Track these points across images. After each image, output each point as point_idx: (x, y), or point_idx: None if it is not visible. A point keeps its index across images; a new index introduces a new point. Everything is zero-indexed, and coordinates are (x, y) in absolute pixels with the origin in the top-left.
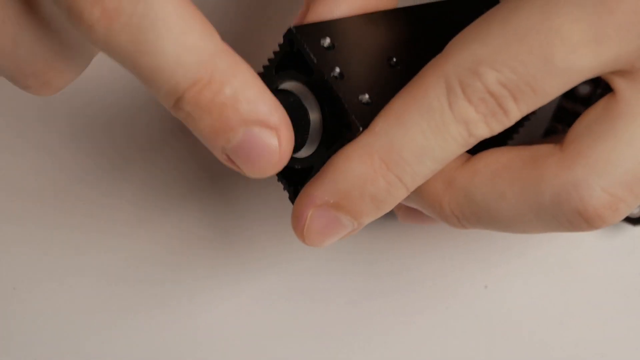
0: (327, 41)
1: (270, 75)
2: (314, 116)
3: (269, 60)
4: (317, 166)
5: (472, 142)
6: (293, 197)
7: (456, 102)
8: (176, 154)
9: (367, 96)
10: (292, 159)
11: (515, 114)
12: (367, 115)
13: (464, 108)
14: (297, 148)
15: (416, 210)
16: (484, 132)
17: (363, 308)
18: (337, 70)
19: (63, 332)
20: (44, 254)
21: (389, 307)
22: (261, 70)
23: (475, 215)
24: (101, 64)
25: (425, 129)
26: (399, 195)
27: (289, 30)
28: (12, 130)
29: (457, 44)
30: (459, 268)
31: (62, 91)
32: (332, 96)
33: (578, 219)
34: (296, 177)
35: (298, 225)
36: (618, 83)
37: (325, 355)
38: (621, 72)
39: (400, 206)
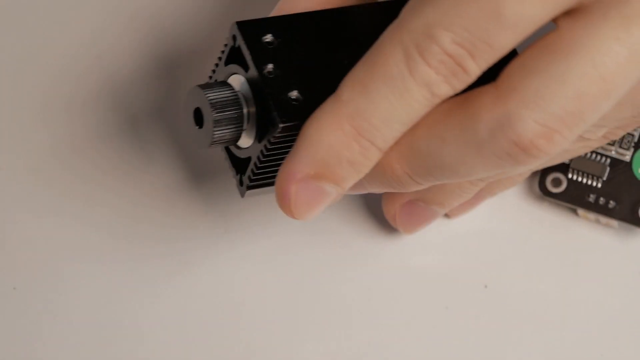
0: (268, 37)
1: (221, 67)
2: (252, 110)
3: (221, 52)
4: (254, 157)
5: (437, 101)
6: (239, 184)
7: (416, 67)
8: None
9: (296, 92)
10: (237, 148)
11: (474, 70)
12: (293, 112)
13: (424, 72)
14: (234, 139)
15: (413, 216)
16: (447, 91)
17: (362, 307)
18: (270, 66)
19: (63, 332)
20: (44, 254)
21: (388, 307)
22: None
23: (423, 166)
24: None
25: (390, 96)
26: (374, 156)
27: (232, 25)
28: (10, 127)
29: (409, 10)
30: (459, 268)
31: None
32: (261, 91)
33: (515, 149)
34: (241, 166)
35: (284, 202)
36: (560, 20)
37: (324, 355)
38: (568, 11)
39: (398, 219)
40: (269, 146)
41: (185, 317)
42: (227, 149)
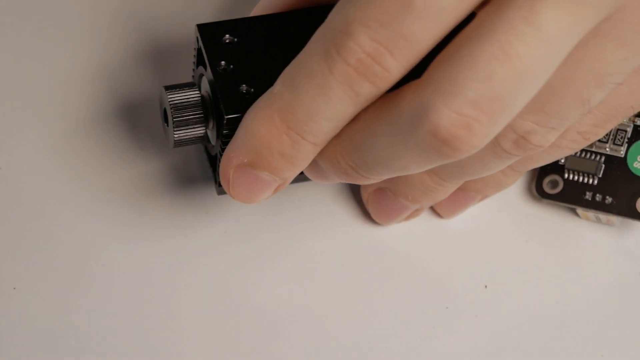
0: (227, 38)
1: (195, 69)
2: (215, 109)
3: (194, 55)
4: (218, 154)
5: (363, 100)
6: (215, 181)
7: (335, 65)
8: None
9: (245, 87)
10: (211, 146)
11: (395, 68)
12: (241, 105)
13: (343, 70)
14: (197, 139)
15: (382, 205)
16: (370, 89)
17: (362, 307)
18: (223, 63)
19: (63, 333)
20: (44, 254)
21: (388, 307)
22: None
23: (362, 160)
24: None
25: (312, 93)
26: (307, 150)
27: (195, 28)
28: (9, 127)
29: (334, 8)
30: (459, 268)
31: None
32: (213, 86)
33: (436, 142)
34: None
35: (224, 185)
36: (478, 10)
37: (323, 355)
38: (486, 1)
39: (370, 205)
40: (223, 140)
41: (185, 316)
42: (206, 148)
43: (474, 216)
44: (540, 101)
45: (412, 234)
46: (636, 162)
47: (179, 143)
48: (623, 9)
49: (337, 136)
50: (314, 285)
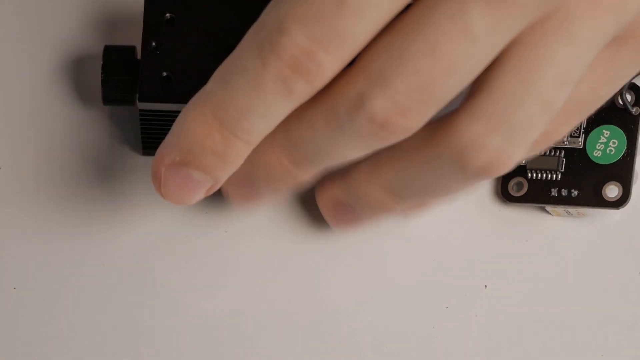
0: (169, 14)
1: None
2: None
3: None
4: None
5: (297, 97)
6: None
7: (268, 61)
8: None
9: (167, 72)
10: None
11: (330, 66)
12: (159, 90)
13: (277, 67)
14: (125, 101)
15: (343, 219)
16: (304, 87)
17: (362, 307)
18: (153, 43)
19: (63, 332)
20: (44, 254)
21: (388, 307)
22: None
23: (301, 154)
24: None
25: (245, 89)
26: (241, 148)
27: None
28: (9, 127)
29: (269, 5)
30: (459, 268)
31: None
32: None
33: (374, 127)
34: None
35: (155, 184)
36: (413, 5)
37: (323, 354)
38: None
39: (330, 218)
40: (140, 116)
41: (185, 317)
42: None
43: (474, 216)
44: (504, 112)
45: (412, 234)
46: (595, 151)
47: (108, 101)
48: (567, 3)
49: (272, 138)
50: (315, 285)
